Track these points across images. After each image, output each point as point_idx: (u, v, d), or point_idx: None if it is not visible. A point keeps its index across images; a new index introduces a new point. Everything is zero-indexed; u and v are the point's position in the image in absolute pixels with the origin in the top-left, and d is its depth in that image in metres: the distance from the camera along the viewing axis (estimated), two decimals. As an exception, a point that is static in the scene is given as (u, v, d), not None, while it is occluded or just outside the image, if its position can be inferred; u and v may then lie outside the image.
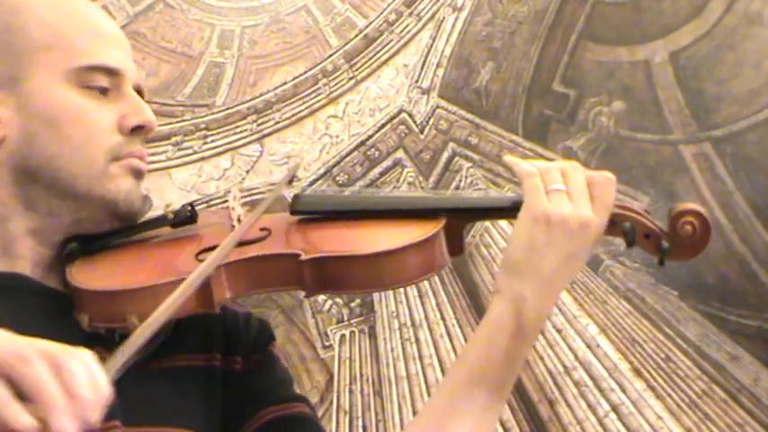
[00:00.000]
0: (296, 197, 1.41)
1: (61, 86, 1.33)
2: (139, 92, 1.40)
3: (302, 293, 1.32)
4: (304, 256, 1.28)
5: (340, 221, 1.38)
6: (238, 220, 1.37)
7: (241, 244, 1.30)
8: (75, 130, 1.33)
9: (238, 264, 1.27)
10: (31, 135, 1.32)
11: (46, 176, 1.32)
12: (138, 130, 1.37)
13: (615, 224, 1.38)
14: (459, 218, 1.41)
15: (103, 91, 1.35)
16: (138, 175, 1.37)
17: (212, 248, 1.31)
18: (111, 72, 1.36)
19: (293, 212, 1.40)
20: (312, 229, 1.37)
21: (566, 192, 1.34)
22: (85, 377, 0.97)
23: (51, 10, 1.37)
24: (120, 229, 1.37)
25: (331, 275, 1.29)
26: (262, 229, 1.33)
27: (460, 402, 1.35)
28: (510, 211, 1.38)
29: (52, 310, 1.30)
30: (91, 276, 1.30)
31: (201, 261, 1.29)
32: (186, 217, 1.38)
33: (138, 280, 1.28)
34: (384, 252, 1.30)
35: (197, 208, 1.39)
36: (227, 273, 1.27)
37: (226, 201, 1.41)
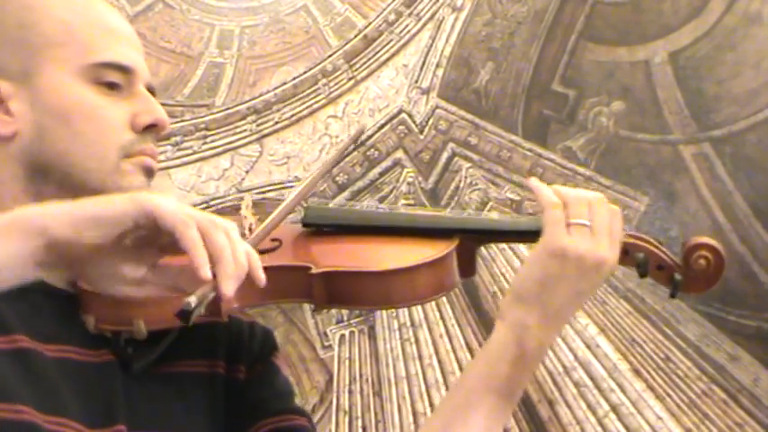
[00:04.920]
0: (308, 209, 1.41)
1: (74, 82, 1.34)
2: (151, 91, 1.40)
3: (311, 307, 1.32)
4: (315, 270, 1.28)
5: (352, 236, 1.38)
6: (249, 229, 1.36)
7: None
8: (87, 125, 1.33)
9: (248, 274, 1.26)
10: (44, 130, 1.32)
11: (58, 171, 1.32)
12: (150, 129, 1.37)
13: (628, 254, 1.37)
14: (474, 239, 1.41)
15: (116, 88, 1.35)
16: (149, 173, 1.37)
17: None
18: (124, 70, 1.36)
19: (305, 224, 1.40)
20: (323, 243, 1.37)
21: (589, 227, 1.32)
22: (243, 249, 1.13)
23: (65, 7, 1.37)
24: None
25: (340, 290, 1.29)
26: (273, 240, 1.33)
27: (467, 408, 1.35)
28: (528, 236, 1.36)
29: (61, 311, 1.30)
30: None
31: None
32: None
33: None
34: (395, 270, 1.30)
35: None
36: None
37: (236, 203, 1.41)
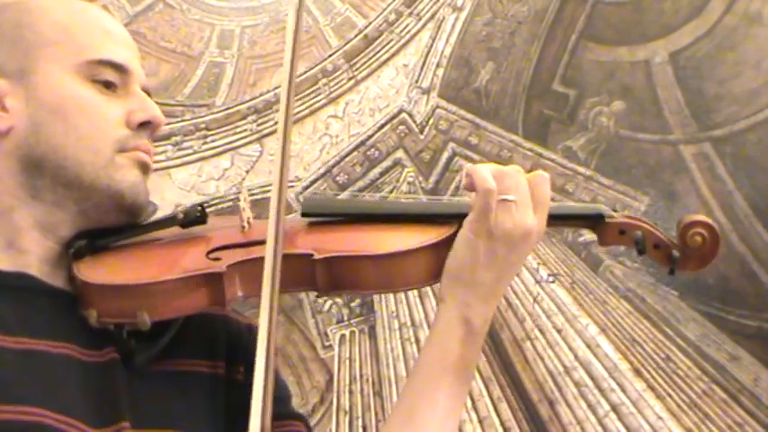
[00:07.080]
0: (307, 200, 1.42)
1: (70, 79, 1.35)
2: (146, 92, 1.41)
3: (314, 294, 1.33)
4: (317, 256, 1.29)
5: (351, 224, 1.39)
6: (248, 222, 1.37)
7: (253, 244, 1.30)
8: (82, 119, 1.34)
9: (251, 263, 1.27)
10: (39, 125, 1.34)
11: (52, 165, 1.33)
12: (145, 126, 1.38)
13: (625, 233, 1.40)
14: None
15: (111, 86, 1.37)
16: (144, 168, 1.38)
17: (223, 248, 1.32)
18: (119, 68, 1.38)
19: (304, 215, 1.41)
20: (324, 231, 1.38)
21: (514, 201, 1.35)
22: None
23: (62, 9, 1.40)
24: (128, 228, 1.37)
25: (343, 275, 1.30)
26: None
27: (428, 391, 1.37)
28: None
29: (59, 310, 1.31)
30: (100, 272, 1.30)
31: (212, 260, 1.29)
32: (196, 217, 1.38)
33: (148, 275, 1.29)
34: (396, 253, 1.31)
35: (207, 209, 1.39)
36: (240, 272, 1.27)
37: (235, 200, 1.42)
